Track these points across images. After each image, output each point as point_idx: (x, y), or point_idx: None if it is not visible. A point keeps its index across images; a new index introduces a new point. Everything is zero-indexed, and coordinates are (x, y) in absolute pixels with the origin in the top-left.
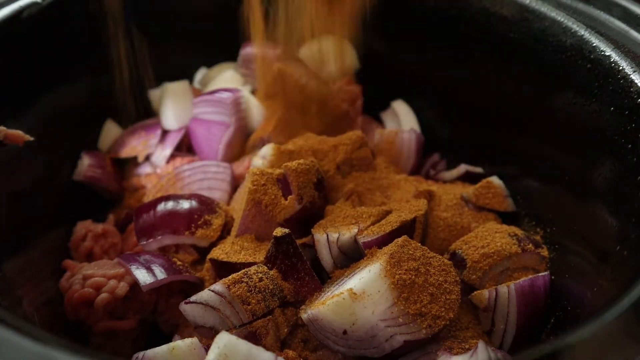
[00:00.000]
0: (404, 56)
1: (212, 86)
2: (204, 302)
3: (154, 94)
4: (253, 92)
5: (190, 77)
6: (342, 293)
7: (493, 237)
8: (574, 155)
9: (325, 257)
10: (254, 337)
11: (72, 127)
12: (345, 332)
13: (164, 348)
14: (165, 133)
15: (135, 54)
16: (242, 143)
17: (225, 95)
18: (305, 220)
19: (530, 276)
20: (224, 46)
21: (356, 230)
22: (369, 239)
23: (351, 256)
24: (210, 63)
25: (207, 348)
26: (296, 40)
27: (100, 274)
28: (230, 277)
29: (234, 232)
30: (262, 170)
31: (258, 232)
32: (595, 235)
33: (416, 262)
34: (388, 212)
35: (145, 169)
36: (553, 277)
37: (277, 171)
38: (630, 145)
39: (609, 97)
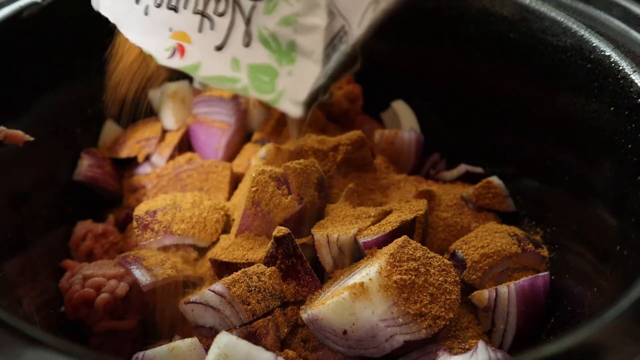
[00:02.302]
0: (404, 56)
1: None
2: (204, 302)
3: (154, 94)
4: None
5: (190, 77)
6: (342, 293)
7: (493, 237)
8: (574, 155)
9: (325, 257)
10: (254, 337)
11: (72, 127)
12: (345, 332)
13: (164, 348)
14: (165, 133)
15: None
16: (242, 143)
17: (225, 95)
18: (305, 220)
19: (530, 276)
20: None
21: (356, 230)
22: (369, 239)
23: (351, 256)
24: None
25: (207, 348)
26: None
27: (100, 274)
28: (230, 277)
29: (233, 231)
30: (263, 169)
31: (258, 232)
32: (595, 235)
33: (416, 262)
34: (388, 212)
35: (145, 169)
36: (553, 277)
37: (278, 171)
38: (630, 145)
39: (609, 97)
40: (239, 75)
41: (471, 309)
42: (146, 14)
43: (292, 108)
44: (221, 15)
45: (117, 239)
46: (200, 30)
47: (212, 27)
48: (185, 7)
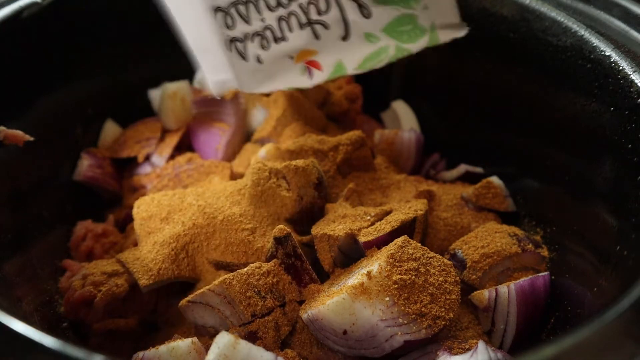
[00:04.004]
0: (404, 56)
1: None
2: (204, 302)
3: (154, 94)
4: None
5: (190, 77)
6: (342, 293)
7: (493, 237)
8: (574, 155)
9: (325, 257)
10: (254, 337)
11: (72, 127)
12: (345, 332)
13: (164, 348)
14: (165, 133)
15: (135, 53)
16: (242, 143)
17: (225, 95)
18: (305, 220)
19: (530, 276)
20: None
21: (356, 230)
22: (369, 239)
23: (351, 256)
24: None
25: (207, 348)
26: None
27: (100, 273)
28: (230, 276)
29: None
30: (263, 164)
31: (258, 228)
32: (595, 235)
33: (416, 262)
34: (388, 212)
35: (145, 169)
36: (553, 277)
37: (278, 168)
38: (630, 145)
39: (609, 97)
40: (382, 43)
41: (471, 309)
42: (260, 62)
43: (455, 32)
44: (326, 11)
45: (117, 239)
46: (317, 37)
47: (326, 27)
48: (291, 30)
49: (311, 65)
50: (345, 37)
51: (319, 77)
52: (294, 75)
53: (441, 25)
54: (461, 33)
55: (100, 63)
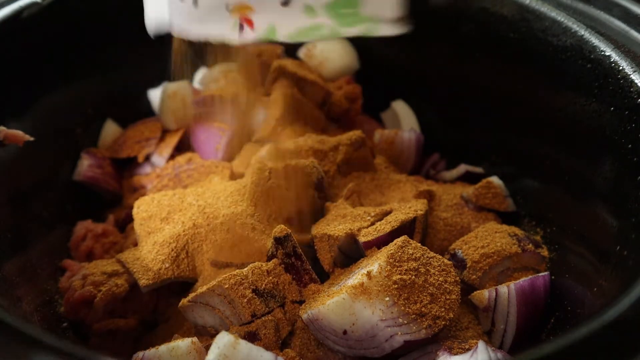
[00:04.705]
0: (404, 56)
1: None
2: (204, 302)
3: (154, 94)
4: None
5: (190, 77)
6: (342, 293)
7: (493, 237)
8: (574, 155)
9: (325, 257)
10: (254, 337)
11: (72, 127)
12: (345, 332)
13: (164, 348)
14: (165, 133)
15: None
16: (242, 143)
17: (225, 95)
18: (305, 220)
19: (530, 276)
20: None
21: (356, 230)
22: (369, 239)
23: (351, 256)
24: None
25: (207, 348)
26: None
27: (100, 273)
28: (230, 276)
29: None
30: (264, 164)
31: (258, 227)
32: (595, 235)
33: (416, 262)
34: (388, 212)
35: (145, 169)
36: (553, 277)
37: (278, 166)
38: (630, 145)
39: (609, 97)
40: (319, 20)
41: (471, 309)
42: (196, 4)
43: (393, 28)
44: None
45: (117, 239)
46: None
47: None
48: None
49: (245, 22)
50: (285, 3)
51: (248, 36)
52: (225, 27)
53: (381, 18)
54: (402, 30)
55: (101, 63)
